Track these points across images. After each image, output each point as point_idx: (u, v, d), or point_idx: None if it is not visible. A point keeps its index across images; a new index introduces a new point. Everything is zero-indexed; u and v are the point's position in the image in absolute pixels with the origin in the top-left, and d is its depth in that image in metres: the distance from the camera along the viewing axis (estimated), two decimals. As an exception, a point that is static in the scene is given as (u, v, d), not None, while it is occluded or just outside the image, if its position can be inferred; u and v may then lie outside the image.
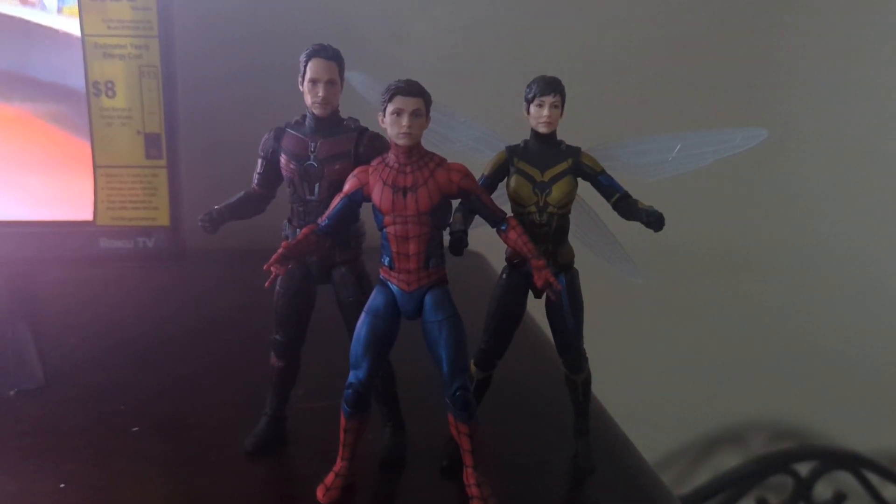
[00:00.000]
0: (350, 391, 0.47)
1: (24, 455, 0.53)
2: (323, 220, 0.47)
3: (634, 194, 0.50)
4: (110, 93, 0.66)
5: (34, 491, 0.49)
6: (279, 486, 0.51)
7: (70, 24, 0.65)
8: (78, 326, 0.74)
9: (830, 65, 1.07)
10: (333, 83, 0.48)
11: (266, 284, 0.46)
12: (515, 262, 0.51)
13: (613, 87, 1.00)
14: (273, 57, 0.75)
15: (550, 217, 0.49)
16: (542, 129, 0.49)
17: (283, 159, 0.50)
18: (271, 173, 0.51)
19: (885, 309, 1.17)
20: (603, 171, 0.50)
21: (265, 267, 0.45)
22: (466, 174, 0.46)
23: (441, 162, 0.46)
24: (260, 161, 0.51)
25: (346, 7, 0.93)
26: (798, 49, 1.06)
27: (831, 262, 1.14)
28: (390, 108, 0.43)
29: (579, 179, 0.50)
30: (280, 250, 0.46)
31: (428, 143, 0.47)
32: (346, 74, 0.49)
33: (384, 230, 0.46)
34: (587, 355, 0.53)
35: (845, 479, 1.15)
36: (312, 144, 0.49)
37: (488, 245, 0.59)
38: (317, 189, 0.49)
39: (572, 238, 0.52)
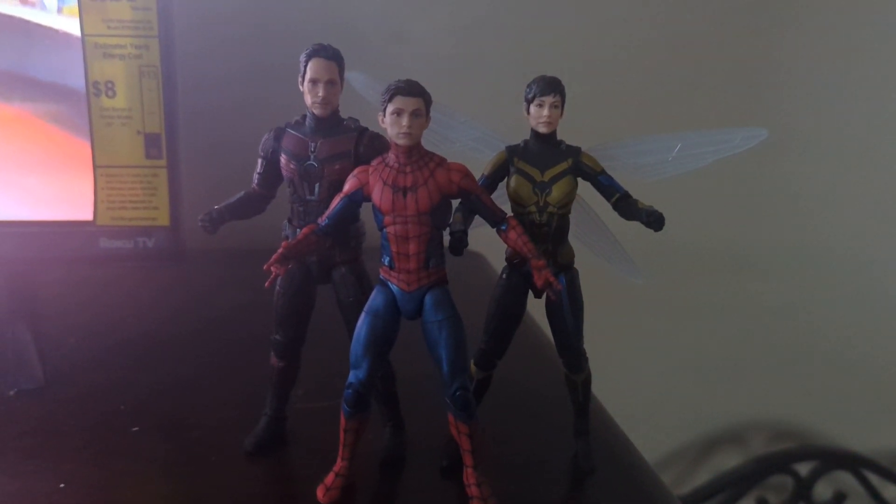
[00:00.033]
0: (350, 391, 0.47)
1: (24, 455, 0.53)
2: (323, 220, 0.47)
3: (634, 194, 0.50)
4: (110, 93, 0.66)
5: (34, 491, 0.49)
6: (279, 486, 0.51)
7: (70, 24, 0.65)
8: (78, 326, 0.74)
9: (830, 65, 1.07)
10: (333, 83, 0.48)
11: (266, 284, 0.46)
12: (515, 262, 0.51)
13: (613, 87, 1.00)
14: (273, 57, 0.75)
15: (550, 217, 0.49)
16: (542, 129, 0.49)
17: (283, 159, 0.50)
18: (271, 173, 0.51)
19: (886, 309, 1.17)
20: (603, 171, 0.50)
21: (265, 267, 0.45)
22: (466, 174, 0.46)
23: (441, 162, 0.46)
24: (260, 161, 0.51)
25: (346, 7, 0.93)
26: (798, 49, 1.06)
27: (831, 263, 1.14)
28: (390, 108, 0.44)
29: (579, 179, 0.50)
30: (280, 250, 0.46)
31: (428, 143, 0.47)
32: (346, 74, 0.49)
33: (384, 230, 0.46)
34: (587, 355, 0.53)
35: (845, 479, 1.15)
36: (312, 144, 0.49)
37: (488, 245, 0.59)
38: (317, 189, 0.49)
39: (572, 238, 0.52)
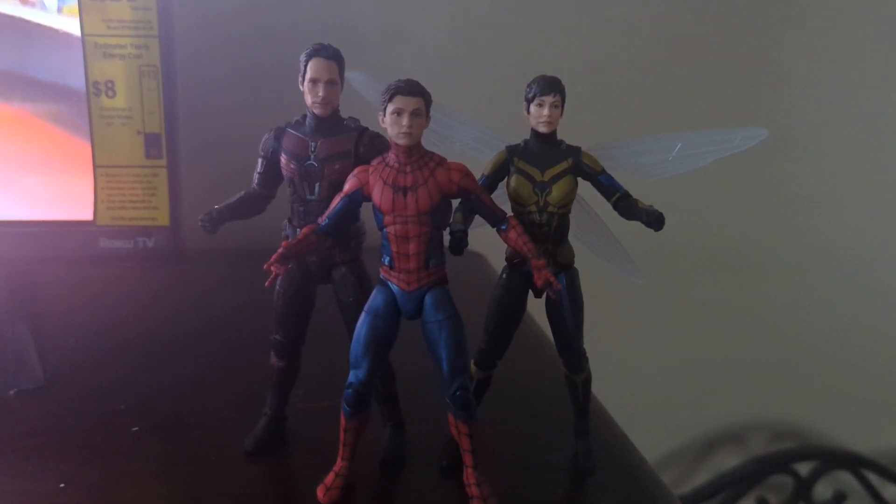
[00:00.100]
0: (350, 391, 0.47)
1: (24, 455, 0.53)
2: (323, 220, 0.47)
3: (634, 194, 0.50)
4: (110, 93, 0.66)
5: (34, 491, 0.49)
6: (279, 486, 0.51)
7: (70, 24, 0.65)
8: (78, 326, 0.74)
9: (830, 65, 1.07)
10: (334, 83, 0.48)
11: (266, 284, 0.46)
12: (515, 262, 0.51)
13: (613, 87, 1.00)
14: (273, 57, 0.75)
15: (550, 217, 0.49)
16: (543, 129, 0.49)
17: (283, 159, 0.50)
18: (271, 173, 0.51)
19: (886, 309, 1.17)
20: (603, 171, 0.50)
21: (265, 267, 0.45)
22: (466, 174, 0.46)
23: (441, 161, 0.46)
24: (260, 161, 0.51)
25: (346, 7, 0.93)
26: (798, 49, 1.06)
27: (831, 262, 1.14)
28: (390, 108, 0.43)
29: (579, 179, 0.50)
30: (280, 250, 0.46)
31: (428, 143, 0.46)
32: (346, 74, 0.49)
33: (384, 230, 0.46)
34: (587, 355, 0.53)
35: (845, 479, 1.15)
36: (313, 144, 0.49)
37: (488, 245, 0.59)
38: (317, 189, 0.49)
39: (572, 238, 0.52)
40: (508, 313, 0.52)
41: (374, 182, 0.45)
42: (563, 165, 0.49)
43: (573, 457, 0.54)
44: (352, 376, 0.47)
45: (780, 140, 0.94)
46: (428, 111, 0.44)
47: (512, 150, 0.50)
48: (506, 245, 0.48)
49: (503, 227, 0.47)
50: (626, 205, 0.49)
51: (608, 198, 0.50)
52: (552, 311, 0.51)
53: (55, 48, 0.65)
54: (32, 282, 0.77)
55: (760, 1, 1.03)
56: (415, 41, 0.96)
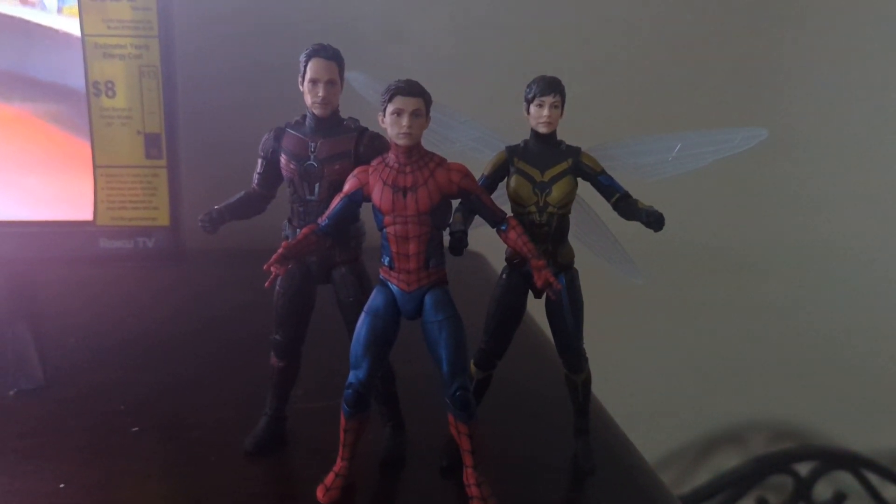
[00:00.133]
0: (350, 391, 0.47)
1: (24, 455, 0.53)
2: (323, 220, 0.47)
3: (634, 194, 0.50)
4: (110, 93, 0.66)
5: (34, 491, 0.49)
6: (279, 486, 0.51)
7: (70, 24, 0.65)
8: (78, 326, 0.74)
9: (830, 65, 1.07)
10: (333, 83, 0.48)
11: (266, 284, 0.46)
12: (515, 262, 0.51)
13: (613, 87, 1.00)
14: (273, 57, 0.75)
15: (550, 217, 0.49)
16: (542, 130, 0.49)
17: (283, 159, 0.50)
18: (271, 173, 0.51)
19: (886, 309, 1.17)
20: (603, 171, 0.50)
21: (265, 267, 0.45)
22: (466, 174, 0.46)
23: (441, 162, 0.46)
24: (260, 161, 0.51)
25: (346, 6, 0.93)
26: (798, 49, 1.06)
27: (831, 262, 1.14)
28: (390, 108, 0.43)
29: (579, 179, 0.50)
30: (280, 250, 0.46)
31: (428, 143, 0.46)
32: (346, 74, 0.49)
33: (384, 230, 0.46)
34: (587, 355, 0.53)
35: (845, 479, 1.15)
36: (312, 144, 0.49)
37: (488, 245, 0.59)
38: (317, 189, 0.49)
39: (572, 238, 0.52)
40: (508, 313, 0.52)
41: (373, 182, 0.45)
42: (563, 166, 0.49)
43: (573, 457, 0.54)
44: (352, 376, 0.47)
45: (780, 140, 0.94)
46: (428, 111, 0.44)
47: (512, 151, 0.50)
48: (506, 245, 0.48)
49: (503, 228, 0.47)
50: (625, 205, 0.49)
51: (608, 198, 0.50)
52: (552, 311, 0.51)
53: (55, 48, 0.65)
54: (32, 282, 0.77)
55: (760, 1, 1.03)
56: (415, 41, 0.96)
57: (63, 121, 0.67)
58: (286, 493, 0.51)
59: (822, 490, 1.15)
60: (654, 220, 0.48)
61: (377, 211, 0.45)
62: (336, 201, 0.47)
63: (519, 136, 0.51)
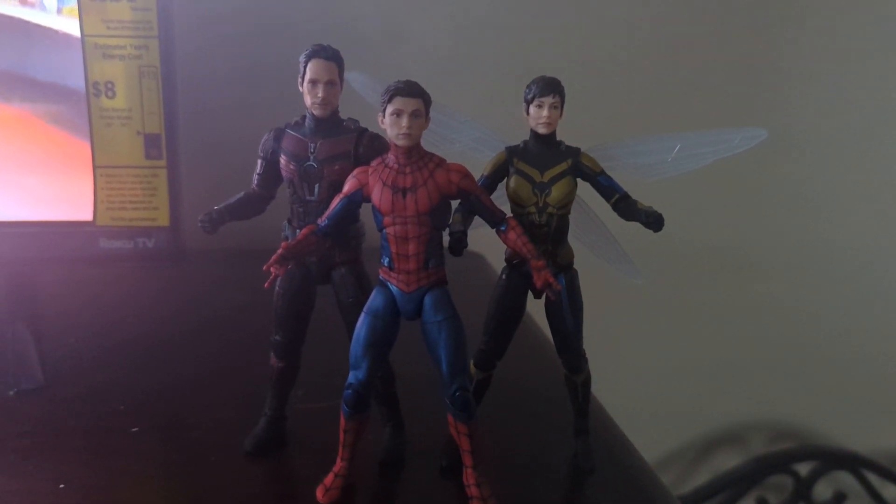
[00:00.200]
0: (350, 391, 0.47)
1: (24, 455, 0.53)
2: (322, 221, 0.47)
3: (634, 194, 0.50)
4: (110, 93, 0.66)
5: (34, 491, 0.49)
6: (279, 486, 0.51)
7: (70, 25, 0.65)
8: (78, 326, 0.74)
9: (831, 65, 1.07)
10: (333, 84, 0.48)
11: (266, 285, 0.46)
12: (515, 263, 0.51)
13: (613, 87, 1.00)
14: (273, 57, 0.75)
15: (550, 217, 0.49)
16: (542, 130, 0.49)
17: (282, 160, 0.50)
18: (271, 174, 0.51)
19: (886, 309, 1.17)
20: (602, 172, 0.50)
21: (265, 268, 0.45)
22: (466, 175, 0.46)
23: (440, 162, 0.46)
24: (259, 161, 0.51)
25: (346, 7, 0.93)
26: (798, 49, 1.06)
27: (831, 262, 1.14)
28: (390, 109, 0.44)
29: (579, 180, 0.50)
30: (280, 251, 0.46)
31: (428, 144, 0.47)
32: (346, 75, 0.49)
33: (384, 231, 0.46)
34: (587, 355, 0.53)
35: (845, 479, 1.15)
36: (312, 145, 0.49)
37: (488, 245, 0.59)
38: (316, 190, 0.49)
39: (572, 238, 0.52)
40: (508, 314, 0.52)
41: (373, 183, 0.45)
42: (563, 166, 0.49)
43: (573, 457, 0.54)
44: (351, 377, 0.47)
45: (780, 140, 0.94)
46: (427, 112, 0.44)
47: (511, 151, 0.50)
48: (505, 246, 0.48)
49: (503, 228, 0.47)
50: (625, 206, 0.49)
51: (607, 199, 0.50)
52: (552, 311, 0.51)
53: (55, 49, 0.65)
54: (32, 282, 0.77)
55: (760, 1, 1.03)
56: (415, 41, 0.96)
57: (63, 121, 0.67)
58: (286, 493, 0.51)
59: (822, 490, 1.15)
60: (654, 221, 0.48)
61: (377, 211, 0.45)
62: (336, 202, 0.47)
63: (519, 137, 0.51)
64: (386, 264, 0.46)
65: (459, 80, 0.92)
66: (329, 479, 0.48)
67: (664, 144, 0.51)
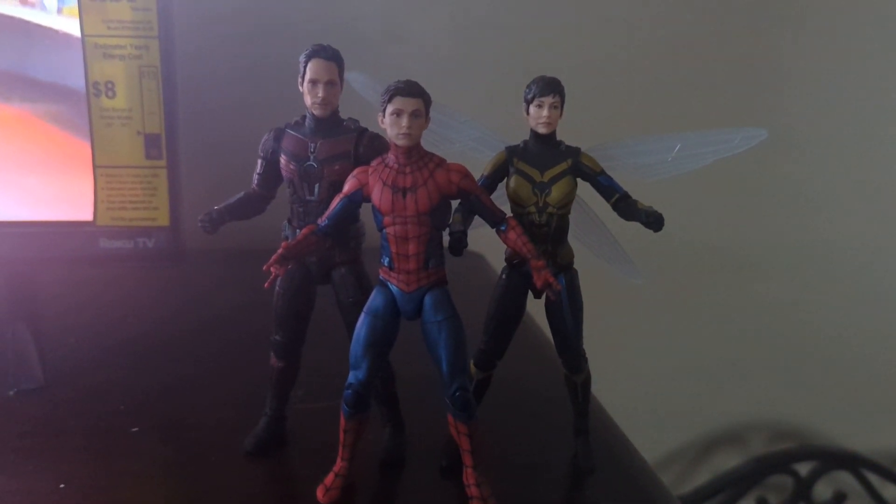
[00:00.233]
0: (350, 391, 0.47)
1: (24, 455, 0.53)
2: (322, 221, 0.47)
3: (634, 194, 0.50)
4: (110, 93, 0.66)
5: (34, 491, 0.49)
6: (279, 486, 0.51)
7: (70, 25, 0.65)
8: (78, 326, 0.74)
9: (831, 65, 1.07)
10: (333, 84, 0.48)
11: (265, 285, 0.46)
12: (515, 263, 0.51)
13: (613, 87, 1.00)
14: (273, 57, 0.75)
15: (550, 217, 0.49)
16: (542, 130, 0.49)
17: (282, 160, 0.50)
18: (271, 174, 0.51)
19: (886, 309, 1.17)
20: (602, 172, 0.50)
21: (265, 267, 0.45)
22: (466, 174, 0.46)
23: (440, 162, 0.46)
24: (260, 161, 0.51)
25: (346, 7, 0.93)
26: (798, 49, 1.06)
27: (831, 262, 1.14)
28: (390, 109, 0.44)
29: (579, 180, 0.50)
30: (280, 251, 0.46)
31: (428, 144, 0.47)
32: (346, 75, 0.49)
33: (384, 231, 0.46)
34: (587, 355, 0.53)
35: (845, 479, 1.15)
36: (312, 145, 0.49)
37: (488, 245, 0.59)
38: (316, 189, 0.49)
39: (572, 238, 0.52)
40: (508, 314, 0.52)
41: (373, 183, 0.45)
42: (563, 166, 0.49)
43: (573, 457, 0.54)
44: (351, 377, 0.47)
45: (780, 140, 0.94)
46: (427, 112, 0.44)
47: (511, 151, 0.50)
48: (505, 245, 0.48)
49: (503, 228, 0.47)
50: (625, 206, 0.49)
51: (607, 198, 0.50)
52: (552, 311, 0.51)
53: (55, 49, 0.65)
54: (32, 282, 0.77)
55: (760, 1, 1.03)
56: (415, 41, 0.96)
57: (63, 121, 0.67)
58: (286, 493, 0.51)
59: (822, 490, 1.15)
60: (654, 221, 0.48)
61: (377, 211, 0.45)
62: (336, 202, 0.47)
63: (519, 137, 0.51)
64: (386, 264, 0.46)
65: (459, 80, 0.92)
66: (329, 479, 0.48)
67: (664, 144, 0.51)
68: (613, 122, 0.78)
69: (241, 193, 0.52)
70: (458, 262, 0.48)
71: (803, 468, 1.13)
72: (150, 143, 0.67)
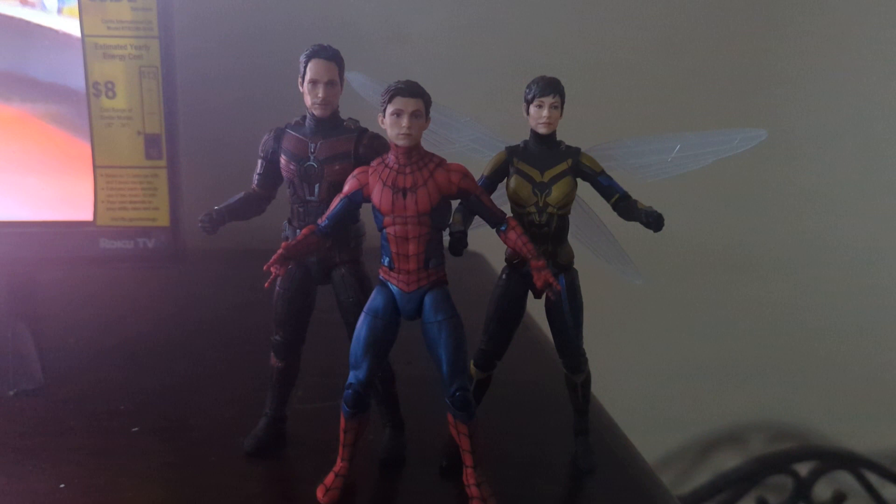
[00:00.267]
0: (350, 391, 0.47)
1: (24, 455, 0.53)
2: (323, 221, 0.47)
3: (634, 194, 0.50)
4: (110, 93, 0.66)
5: (34, 491, 0.49)
6: (279, 486, 0.51)
7: (70, 25, 0.65)
8: (78, 326, 0.74)
9: (830, 65, 1.07)
10: (333, 84, 0.48)
11: (266, 285, 0.46)
12: (515, 263, 0.51)
13: (613, 87, 1.00)
14: (273, 57, 0.75)
15: (550, 217, 0.49)
16: (542, 130, 0.49)
17: (282, 160, 0.50)
18: (271, 174, 0.51)
19: (886, 309, 1.17)
20: (602, 172, 0.50)
21: (265, 267, 0.45)
22: (466, 175, 0.46)
23: (440, 162, 0.46)
24: (260, 162, 0.51)
25: (346, 7, 0.93)
26: (798, 49, 1.06)
27: (831, 263, 1.14)
28: (390, 109, 0.44)
29: (579, 180, 0.50)
30: (280, 251, 0.46)
31: (428, 144, 0.47)
32: (346, 75, 0.49)
33: (384, 231, 0.46)
34: (587, 356, 0.53)
35: (845, 479, 1.15)
36: (312, 145, 0.49)
37: (488, 245, 0.59)
38: (317, 190, 0.49)
39: (572, 238, 0.52)
40: (508, 314, 0.52)
41: (373, 183, 0.45)
42: (563, 166, 0.49)
43: (573, 457, 0.54)
44: (351, 377, 0.47)
45: (779, 140, 0.94)
46: (427, 112, 0.44)
47: (511, 151, 0.50)
48: (505, 246, 0.48)
49: (503, 228, 0.47)
50: (625, 206, 0.49)
51: (607, 199, 0.50)
52: (552, 311, 0.51)
53: (55, 49, 0.65)
54: (32, 282, 0.77)
55: (760, 1, 1.03)
56: (415, 41, 0.96)
57: (63, 121, 0.67)
58: (286, 493, 0.51)
59: (822, 490, 1.15)
60: (654, 221, 0.48)
61: (377, 211, 0.45)
62: (336, 202, 0.47)
63: (519, 137, 0.51)
64: (386, 264, 0.46)
65: (459, 80, 0.92)
66: (329, 478, 0.48)
67: (664, 145, 0.51)
68: (613, 122, 0.78)
69: (241, 193, 0.52)
70: (458, 262, 0.48)
71: (803, 468, 1.13)
72: (150, 143, 0.67)
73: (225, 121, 0.87)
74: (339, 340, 0.51)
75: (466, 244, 0.47)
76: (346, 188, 0.46)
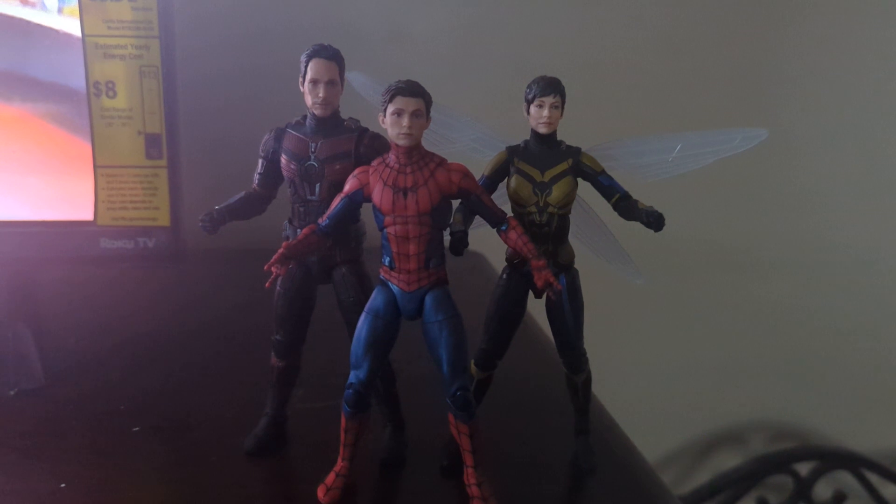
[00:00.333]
0: (350, 391, 0.47)
1: (24, 455, 0.53)
2: (323, 221, 0.47)
3: (634, 194, 0.50)
4: (111, 93, 0.66)
5: (34, 491, 0.49)
6: (279, 486, 0.51)
7: (70, 25, 0.65)
8: (78, 326, 0.74)
9: (831, 65, 1.07)
10: (334, 83, 0.48)
11: (266, 284, 0.46)
12: (516, 263, 0.51)
13: (613, 87, 1.00)
14: (273, 57, 0.75)
15: (550, 217, 0.49)
16: (542, 130, 0.49)
17: (283, 159, 0.50)
18: (272, 173, 0.51)
19: (886, 309, 1.17)
20: (603, 172, 0.50)
21: (265, 267, 0.45)
22: (466, 174, 0.46)
23: (441, 162, 0.46)
24: (260, 161, 0.51)
25: (346, 6, 0.93)
26: (798, 49, 1.06)
27: (831, 263, 1.14)
28: (390, 109, 0.44)
29: (579, 180, 0.50)
30: (280, 250, 0.46)
31: (428, 143, 0.47)
32: (347, 74, 0.49)
33: (384, 230, 0.46)
34: (587, 355, 0.53)
35: (845, 479, 1.15)
36: (313, 145, 0.49)
37: (488, 245, 0.59)
38: (317, 189, 0.49)
39: (572, 238, 0.52)
40: (509, 314, 0.52)
41: (374, 183, 0.45)
42: (563, 166, 0.49)
43: (573, 457, 0.54)
44: (352, 376, 0.47)
45: (780, 140, 0.94)
46: (428, 112, 0.44)
47: (512, 151, 0.50)
48: (506, 245, 0.48)
49: (503, 228, 0.47)
50: (626, 205, 0.49)
51: (608, 198, 0.50)
52: (552, 311, 0.51)
53: (55, 49, 0.65)
54: (32, 282, 0.77)
55: (760, 1, 1.03)
56: (415, 41, 0.96)
57: (64, 121, 0.67)
58: (286, 493, 0.51)
59: (822, 490, 1.15)
60: (654, 221, 0.48)
61: (377, 211, 0.45)
62: (336, 201, 0.47)
63: (519, 137, 0.51)
64: (387, 264, 0.46)
65: (459, 80, 0.92)
66: (330, 478, 0.48)
67: (664, 144, 0.51)
68: (613, 122, 0.78)
69: (242, 193, 0.52)
70: (458, 262, 0.48)
71: (803, 468, 1.13)
72: (151, 142, 0.67)
73: (225, 121, 0.87)
74: (339, 340, 0.51)
75: (467, 244, 0.47)
76: (347, 188, 0.46)
